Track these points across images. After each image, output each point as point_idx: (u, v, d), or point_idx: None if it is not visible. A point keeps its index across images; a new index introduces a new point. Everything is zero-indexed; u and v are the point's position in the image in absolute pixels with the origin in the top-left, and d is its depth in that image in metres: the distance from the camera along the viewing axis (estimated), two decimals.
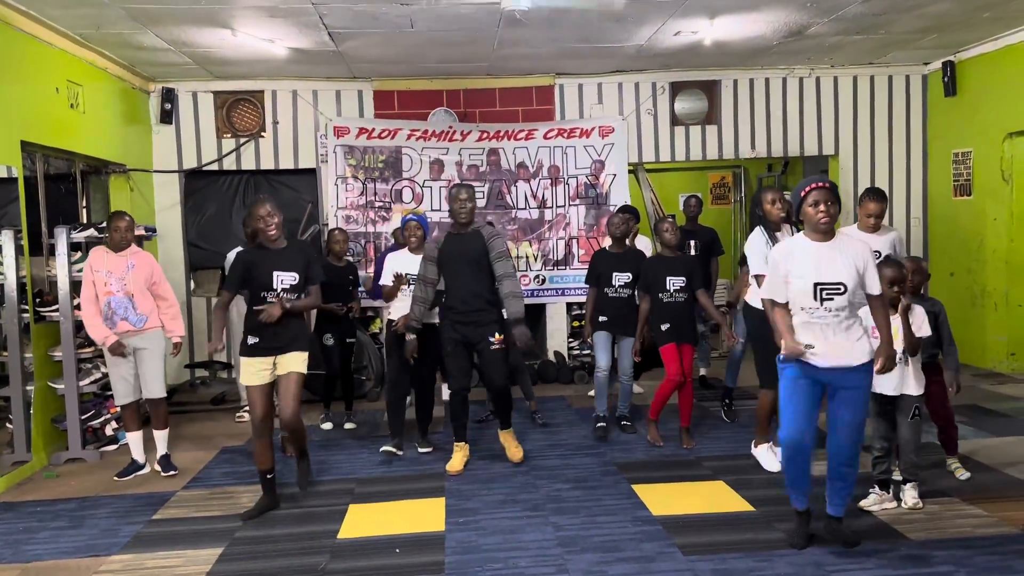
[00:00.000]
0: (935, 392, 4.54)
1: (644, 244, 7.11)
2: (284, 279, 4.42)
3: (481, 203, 8.31)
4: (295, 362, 4.49)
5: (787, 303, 3.68)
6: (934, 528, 4.04)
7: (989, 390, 6.97)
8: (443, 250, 5.14)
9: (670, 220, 5.77)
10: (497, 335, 5.09)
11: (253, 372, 4.45)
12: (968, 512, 4.23)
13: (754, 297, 4.93)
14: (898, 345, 4.16)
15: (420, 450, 5.68)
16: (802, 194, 3.58)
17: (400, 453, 5.60)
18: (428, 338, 5.42)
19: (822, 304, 3.55)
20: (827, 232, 3.60)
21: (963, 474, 4.68)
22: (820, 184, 3.56)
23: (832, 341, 3.58)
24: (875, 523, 4.13)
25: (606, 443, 5.75)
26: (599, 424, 5.94)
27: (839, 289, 3.54)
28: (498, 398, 5.34)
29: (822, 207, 3.53)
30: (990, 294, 7.92)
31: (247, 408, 5.95)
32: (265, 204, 4.43)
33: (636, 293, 5.88)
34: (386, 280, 5.67)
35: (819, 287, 3.54)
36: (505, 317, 5.13)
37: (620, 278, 5.88)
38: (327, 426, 6.48)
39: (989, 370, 7.76)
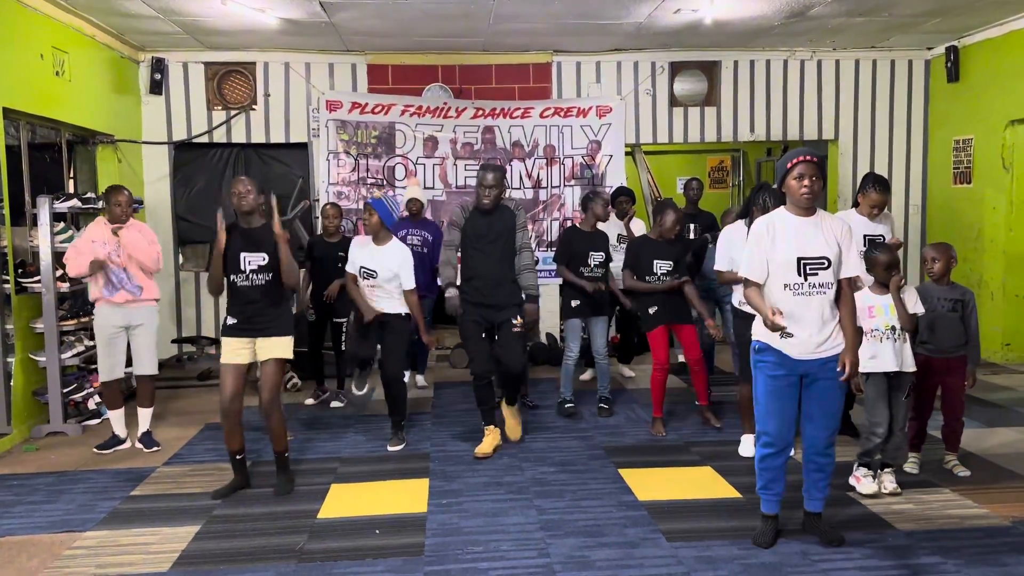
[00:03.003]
0: (953, 384, 4.50)
1: (639, 227, 7.02)
2: (251, 260, 4.29)
3: (474, 181, 8.19)
4: (275, 348, 4.38)
5: (763, 284, 3.54)
6: (922, 518, 3.98)
7: (983, 380, 6.87)
8: (467, 228, 5.01)
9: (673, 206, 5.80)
10: (519, 317, 5.02)
11: (229, 351, 4.36)
12: (957, 503, 4.17)
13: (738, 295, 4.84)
14: (895, 320, 4.16)
15: (389, 448, 5.27)
16: (788, 165, 3.45)
17: (366, 389, 5.66)
18: (391, 326, 5.16)
19: (806, 279, 3.44)
20: (808, 208, 3.48)
21: (962, 471, 4.57)
22: (807, 157, 3.42)
23: (813, 326, 3.44)
24: (863, 512, 4.07)
25: (593, 426, 5.69)
26: (567, 404, 6.00)
27: (823, 264, 3.43)
28: (510, 376, 5.23)
29: (806, 181, 3.40)
30: (987, 283, 7.84)
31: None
32: (243, 180, 4.35)
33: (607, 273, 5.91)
34: (350, 267, 5.23)
35: (803, 261, 3.43)
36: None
37: (596, 257, 5.82)
38: (310, 402, 6.45)
39: (984, 360, 7.68)
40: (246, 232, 4.34)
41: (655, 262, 5.44)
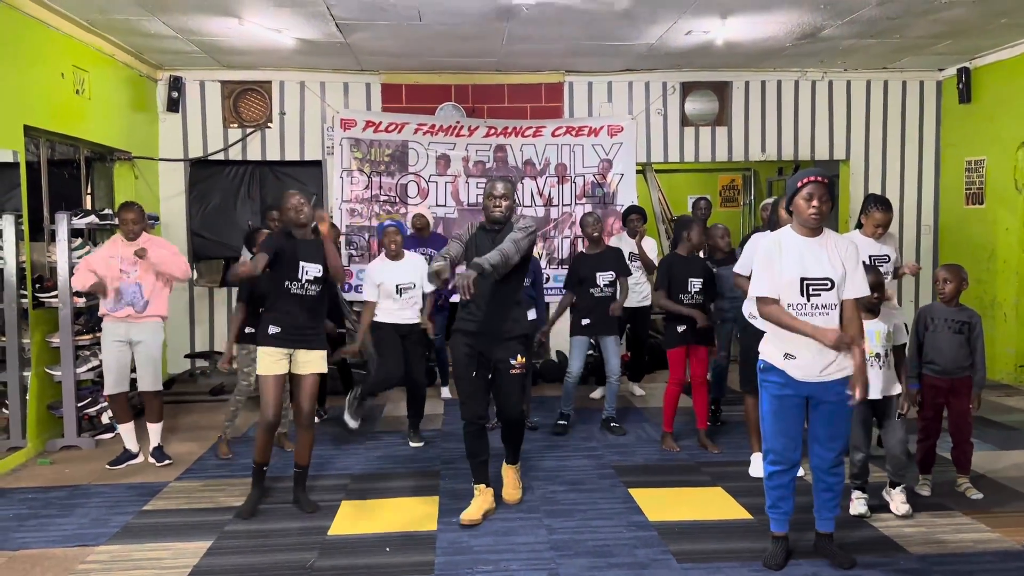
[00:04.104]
0: (958, 405, 4.49)
1: (650, 245, 7.05)
2: (309, 270, 4.38)
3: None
4: (315, 361, 4.45)
5: (777, 299, 3.51)
6: (935, 542, 3.96)
7: (996, 402, 6.87)
8: (470, 246, 4.32)
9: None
10: (520, 357, 4.30)
11: (271, 362, 4.38)
12: (970, 526, 4.15)
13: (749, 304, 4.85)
14: (880, 347, 4.15)
15: (412, 444, 5.69)
16: (798, 184, 3.45)
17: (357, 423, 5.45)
18: (413, 336, 5.58)
19: (809, 300, 3.43)
20: (815, 228, 3.48)
21: (975, 494, 4.55)
22: (817, 178, 3.42)
23: (814, 347, 3.42)
24: (875, 536, 4.05)
25: (603, 445, 5.69)
26: (559, 422, 6.03)
27: (826, 284, 3.43)
28: (511, 426, 4.48)
29: (814, 202, 3.40)
30: (1000, 304, 7.81)
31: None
32: (296, 194, 4.45)
33: (617, 291, 5.93)
34: (369, 295, 5.57)
35: (805, 282, 3.43)
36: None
37: (604, 277, 5.86)
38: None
39: (996, 382, 7.66)
40: (304, 243, 4.41)
41: (689, 280, 5.41)
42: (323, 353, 4.52)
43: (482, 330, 4.26)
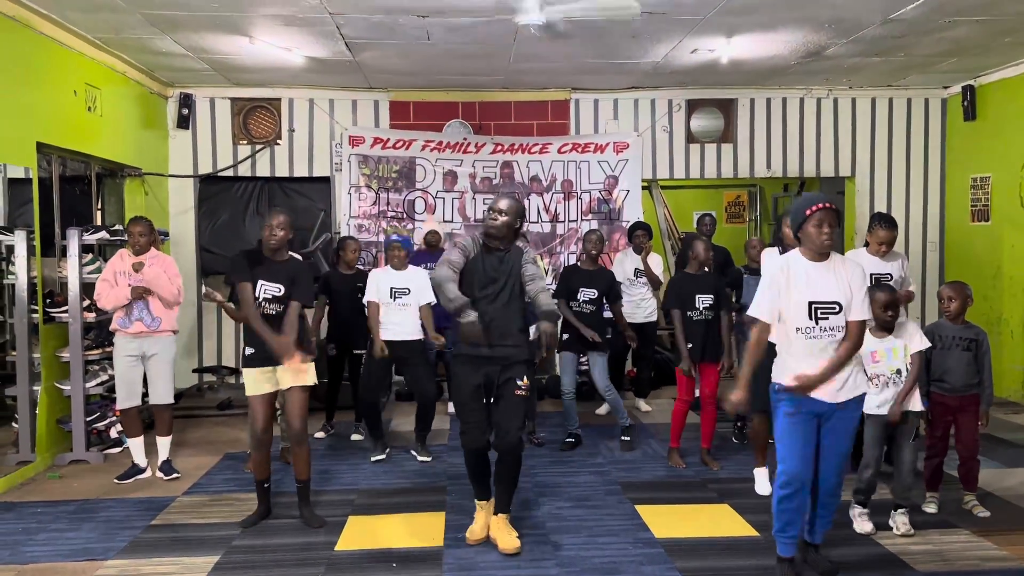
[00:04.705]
0: (966, 422, 4.50)
1: (656, 261, 7.08)
2: (268, 288, 4.40)
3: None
4: (297, 374, 4.44)
5: (769, 324, 3.58)
6: (941, 560, 3.95)
7: (1003, 419, 6.85)
8: (473, 268, 4.15)
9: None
10: (525, 379, 4.15)
11: (254, 381, 4.45)
12: (977, 544, 4.14)
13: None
14: (900, 363, 4.17)
15: (419, 459, 5.73)
16: (807, 212, 3.48)
17: (387, 453, 5.83)
18: (415, 357, 5.75)
19: (817, 323, 3.48)
20: (825, 253, 3.54)
21: (981, 512, 4.54)
22: (826, 205, 3.47)
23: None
24: (882, 553, 4.04)
25: (610, 461, 5.70)
26: (566, 439, 6.08)
27: (834, 308, 3.47)
28: (507, 457, 4.17)
29: (825, 228, 3.45)
30: (1006, 322, 7.81)
31: None
32: (280, 215, 4.45)
33: (604, 308, 6.03)
34: (370, 295, 5.75)
35: (814, 305, 3.47)
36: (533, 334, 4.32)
37: (586, 294, 5.94)
38: (319, 435, 6.41)
39: (1003, 399, 7.64)
40: (269, 263, 4.44)
41: (697, 296, 5.42)
42: (305, 366, 4.49)
43: (491, 355, 4.10)
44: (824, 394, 3.50)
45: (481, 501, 4.32)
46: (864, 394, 3.64)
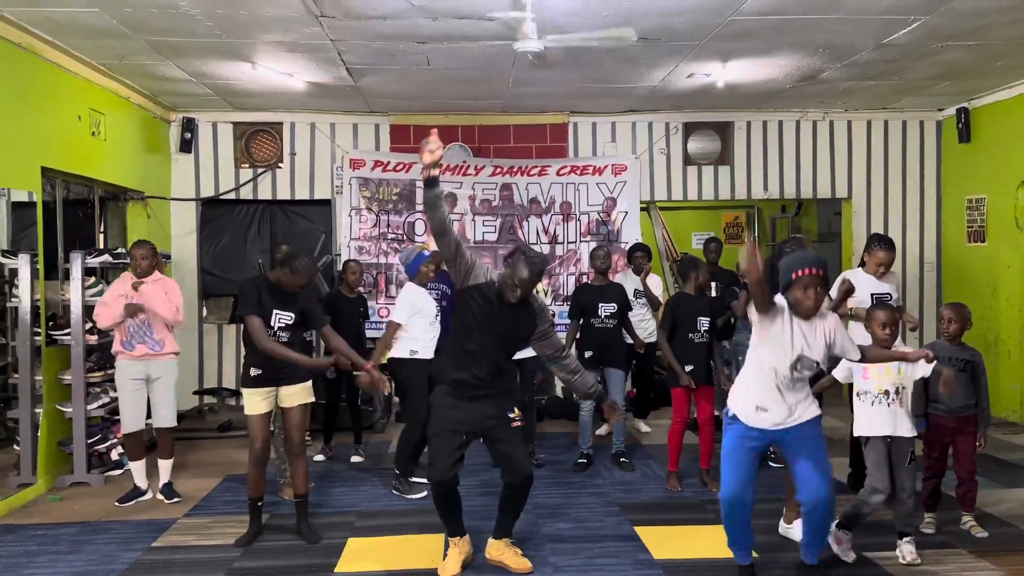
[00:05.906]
0: (963, 443, 4.51)
1: (655, 282, 7.12)
2: (282, 317, 4.52)
3: (492, 237, 8.39)
4: (298, 393, 4.59)
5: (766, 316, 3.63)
6: None
7: (1001, 440, 6.86)
8: (480, 305, 3.93)
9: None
10: (515, 410, 4.19)
11: (256, 402, 4.53)
12: (975, 565, 4.15)
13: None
14: (890, 383, 4.18)
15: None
16: (794, 276, 3.52)
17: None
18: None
19: (792, 373, 3.60)
20: (809, 316, 3.61)
21: (980, 533, 4.54)
22: (812, 271, 3.50)
23: (785, 403, 3.62)
24: (878, 574, 4.05)
25: (609, 482, 5.71)
26: (579, 460, 6.10)
27: (813, 367, 3.63)
28: (524, 489, 4.12)
29: (810, 293, 3.51)
30: (1003, 342, 7.84)
31: None
32: (307, 263, 4.54)
33: (621, 324, 6.03)
34: (399, 316, 5.48)
35: (798, 363, 3.58)
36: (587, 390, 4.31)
37: (606, 308, 5.96)
38: (319, 458, 6.40)
39: (1001, 419, 7.65)
40: (280, 291, 4.53)
41: (699, 319, 5.44)
42: (306, 385, 4.66)
43: (477, 395, 3.97)
44: (773, 424, 3.63)
45: (455, 537, 4.14)
46: (819, 416, 3.74)
